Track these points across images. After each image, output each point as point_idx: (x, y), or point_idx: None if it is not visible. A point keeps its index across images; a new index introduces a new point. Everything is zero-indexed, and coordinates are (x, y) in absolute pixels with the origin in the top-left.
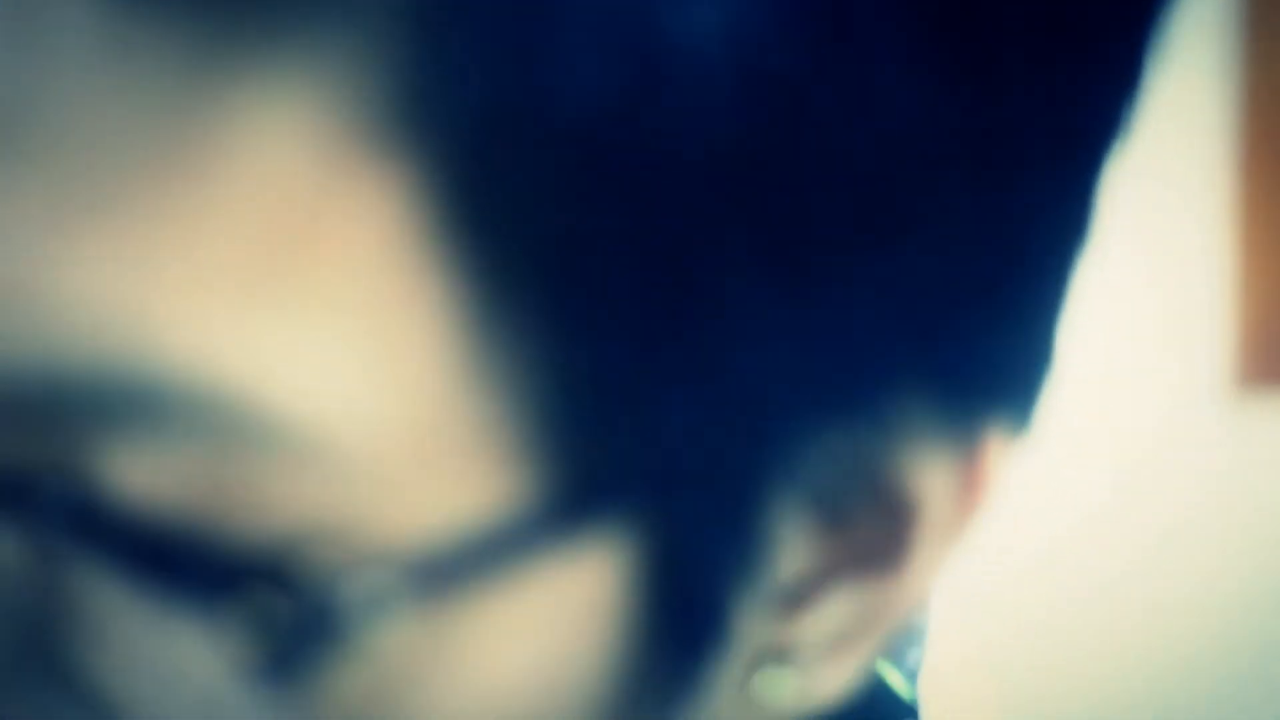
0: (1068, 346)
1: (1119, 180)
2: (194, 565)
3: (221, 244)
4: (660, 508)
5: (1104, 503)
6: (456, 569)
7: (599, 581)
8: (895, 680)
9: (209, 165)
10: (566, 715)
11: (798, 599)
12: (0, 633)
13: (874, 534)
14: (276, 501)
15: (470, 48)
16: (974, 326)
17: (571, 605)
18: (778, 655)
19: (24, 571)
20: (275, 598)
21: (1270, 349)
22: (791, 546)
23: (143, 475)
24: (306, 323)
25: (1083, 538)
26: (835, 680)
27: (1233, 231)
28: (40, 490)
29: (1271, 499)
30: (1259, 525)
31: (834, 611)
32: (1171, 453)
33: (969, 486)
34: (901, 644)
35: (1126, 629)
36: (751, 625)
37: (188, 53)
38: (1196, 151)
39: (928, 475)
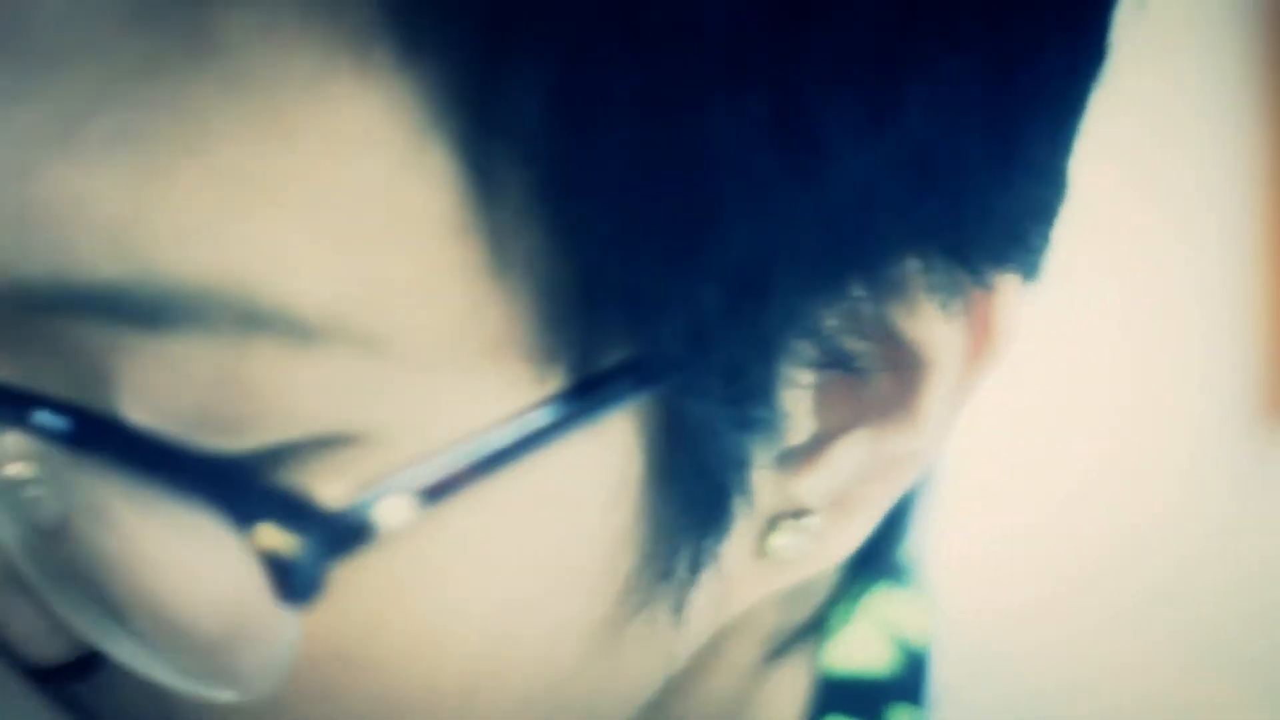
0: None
1: (1143, 202)
2: (210, 473)
3: (219, 144)
4: (668, 387)
5: (1124, 537)
6: (479, 464)
7: (618, 458)
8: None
9: (201, 62)
10: (597, 589)
11: (811, 455)
12: (16, 535)
13: (884, 386)
14: (291, 400)
15: None
16: (979, 173)
17: (593, 483)
18: (792, 513)
19: (39, 476)
20: (293, 503)
21: None
22: (803, 404)
23: (156, 380)
24: (308, 219)
25: (1103, 572)
26: (849, 536)
27: (1262, 256)
28: (51, 398)
29: None
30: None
31: (847, 465)
32: (1195, 486)
33: (979, 335)
34: (910, 504)
35: (1144, 660)
36: (765, 486)
37: None
38: (1226, 169)
39: (936, 325)
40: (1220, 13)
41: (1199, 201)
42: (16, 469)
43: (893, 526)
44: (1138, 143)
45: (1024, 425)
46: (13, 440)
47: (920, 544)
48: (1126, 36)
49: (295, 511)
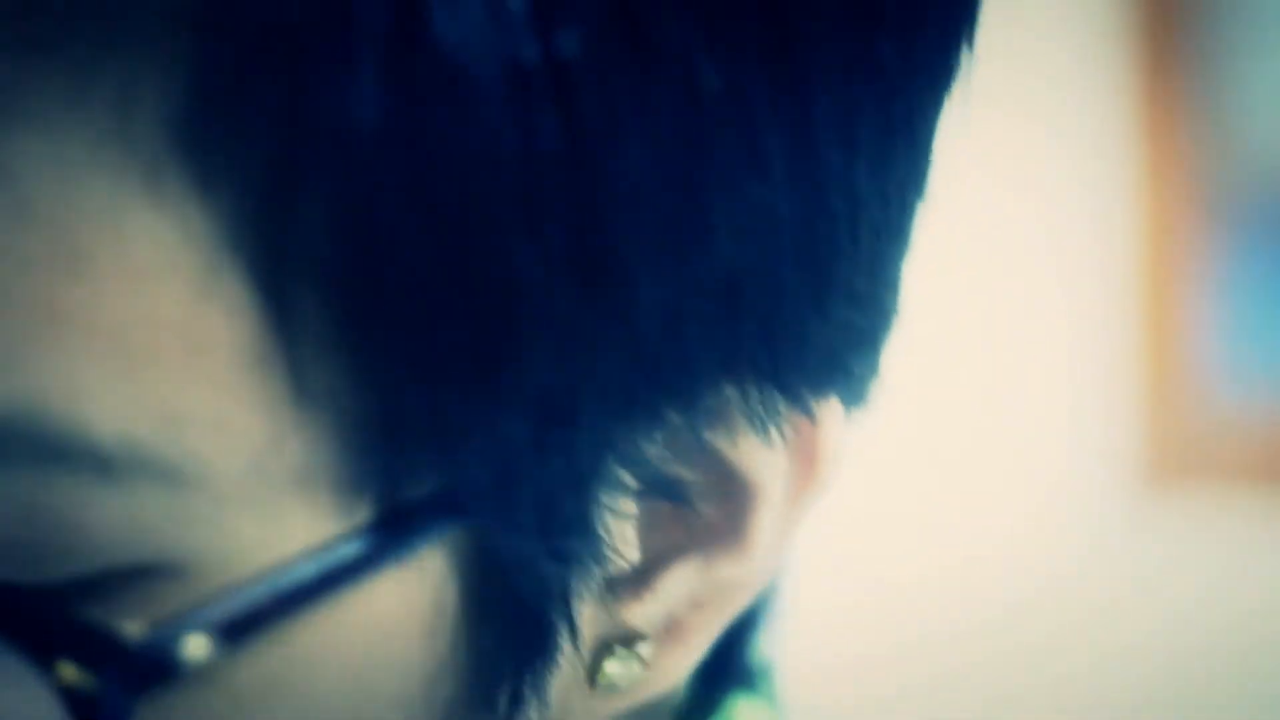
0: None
1: (1022, 266)
2: (10, 608)
3: (11, 270)
4: (484, 522)
5: (1005, 601)
6: (285, 597)
7: (432, 588)
8: (752, 647)
9: None
10: None
11: (639, 582)
12: None
13: (712, 512)
14: (94, 533)
15: (246, 75)
16: (792, 301)
17: (408, 613)
18: (622, 640)
19: None
20: (92, 639)
21: (1181, 447)
22: (628, 531)
23: None
24: (103, 348)
25: (984, 633)
26: (681, 661)
27: (1142, 323)
28: None
29: (1178, 601)
30: (1164, 628)
31: (677, 592)
32: (1076, 551)
33: (805, 464)
34: (758, 612)
35: None
36: (592, 615)
37: None
38: (1106, 242)
39: (761, 454)
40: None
41: (1080, 259)
42: None
43: (741, 632)
44: (1013, 168)
45: (882, 502)
46: None
47: (772, 646)
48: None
49: (94, 647)
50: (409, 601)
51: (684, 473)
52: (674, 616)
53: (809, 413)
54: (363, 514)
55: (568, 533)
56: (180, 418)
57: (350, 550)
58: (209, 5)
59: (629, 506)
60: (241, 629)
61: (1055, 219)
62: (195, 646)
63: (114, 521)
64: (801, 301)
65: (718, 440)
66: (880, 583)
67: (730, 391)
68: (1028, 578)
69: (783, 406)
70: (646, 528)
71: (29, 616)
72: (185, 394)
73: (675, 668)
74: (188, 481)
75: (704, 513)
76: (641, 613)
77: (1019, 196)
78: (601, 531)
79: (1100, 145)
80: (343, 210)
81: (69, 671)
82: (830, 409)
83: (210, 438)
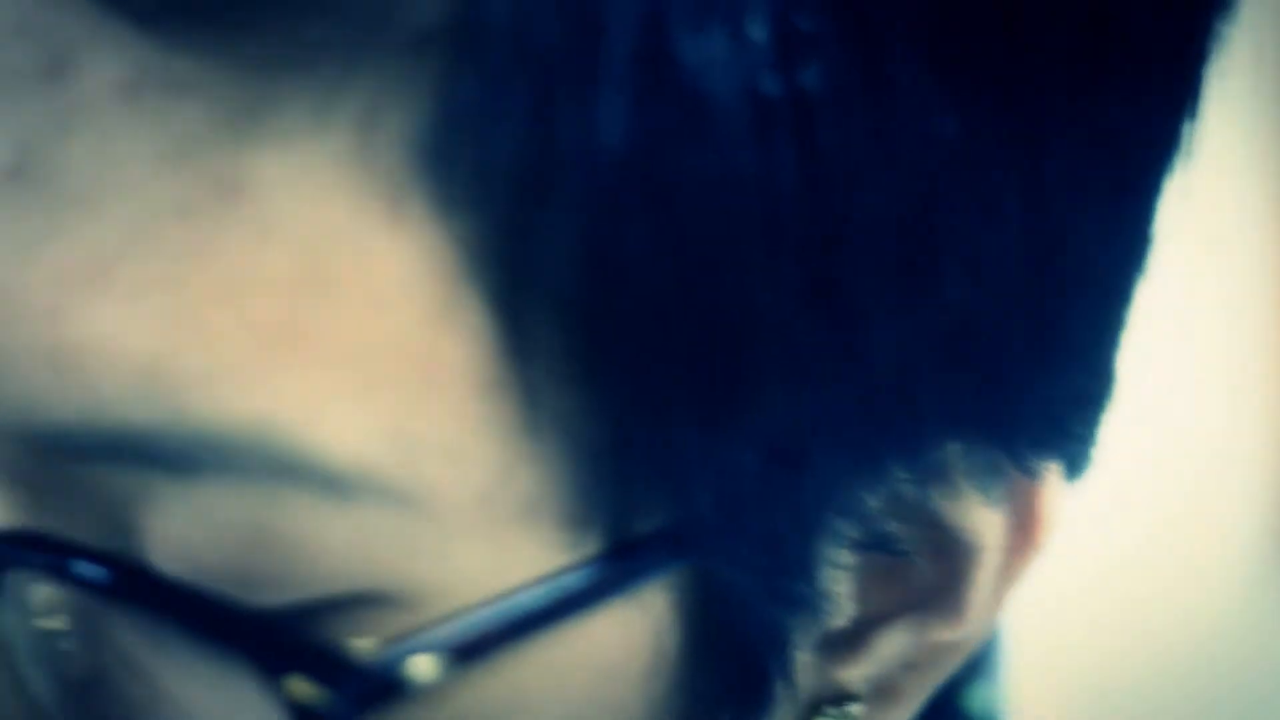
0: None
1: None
2: (241, 625)
3: (250, 290)
4: (710, 561)
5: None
6: (512, 625)
7: (655, 628)
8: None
9: (232, 207)
10: None
11: (854, 641)
12: (51, 689)
13: (929, 575)
14: (322, 558)
15: (494, 98)
16: (1018, 354)
17: (629, 652)
18: (834, 699)
19: (72, 628)
20: (324, 656)
21: None
22: (846, 590)
23: (187, 531)
24: (340, 369)
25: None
26: None
27: None
28: (86, 548)
29: None
30: None
31: (891, 653)
32: (1211, 619)
33: (1025, 526)
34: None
35: None
36: (807, 670)
37: (216, 96)
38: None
39: (979, 512)
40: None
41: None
42: (49, 622)
43: (956, 687)
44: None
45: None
46: (45, 592)
47: (996, 698)
48: None
49: (326, 664)
50: (630, 641)
51: (903, 529)
52: (886, 677)
53: (1030, 473)
54: (588, 548)
55: (791, 576)
56: (414, 443)
57: (575, 582)
58: (457, 28)
59: (847, 559)
60: (469, 653)
61: (1223, 284)
62: (424, 667)
63: (342, 545)
64: (1028, 358)
65: (938, 497)
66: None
67: (953, 447)
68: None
69: (1005, 465)
70: (862, 584)
71: (260, 633)
72: (419, 419)
73: None
74: (417, 508)
75: (920, 571)
76: (854, 673)
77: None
78: (821, 581)
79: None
80: (585, 237)
81: (299, 687)
82: (1050, 471)
83: (442, 464)
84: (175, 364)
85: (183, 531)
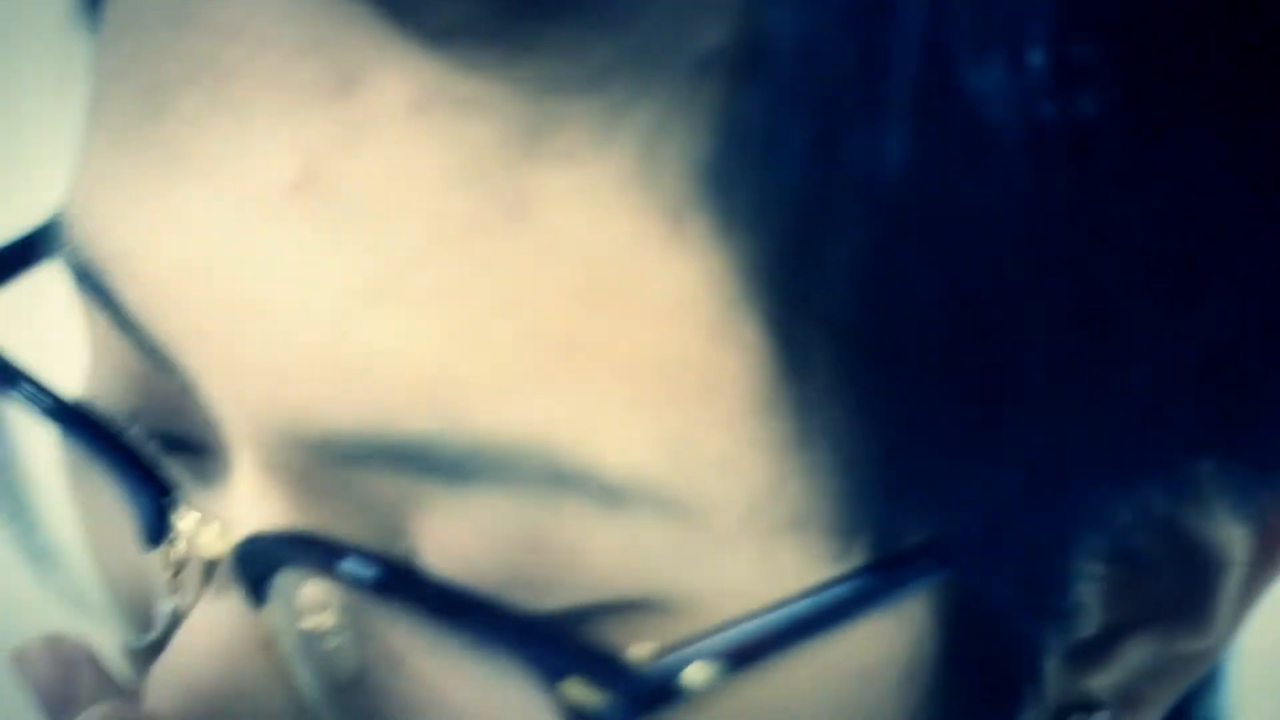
0: None
1: None
2: (519, 627)
3: (533, 304)
4: (970, 573)
5: None
6: (780, 633)
7: (913, 637)
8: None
9: (520, 223)
10: None
11: (1101, 651)
12: (318, 686)
13: (1173, 584)
14: (593, 565)
15: (779, 122)
16: (1276, 377)
17: (889, 660)
18: (1081, 707)
19: (340, 628)
20: (603, 661)
21: None
22: (1096, 601)
23: (461, 535)
24: (620, 383)
25: None
26: None
27: None
28: (359, 547)
29: None
30: None
31: (1137, 662)
32: None
33: (1271, 542)
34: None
35: None
36: (1055, 679)
37: (505, 115)
38: None
39: (1230, 531)
40: None
41: None
42: (318, 619)
43: (1195, 696)
44: None
45: None
46: (313, 591)
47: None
48: None
49: (605, 669)
50: (890, 649)
51: (1153, 541)
52: (1131, 687)
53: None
54: (853, 559)
55: (1046, 588)
56: (688, 455)
57: (842, 593)
58: (743, 51)
59: (1098, 571)
60: (741, 660)
61: None
62: (699, 674)
63: (615, 553)
64: None
65: (1189, 512)
66: None
67: (1207, 465)
68: None
69: (1255, 483)
70: (1111, 595)
71: (539, 635)
72: (695, 431)
73: None
74: (689, 518)
75: (1168, 583)
76: (1101, 681)
77: None
78: (1075, 594)
79: None
80: (863, 260)
81: (577, 691)
82: None
83: (715, 476)
84: (458, 376)
85: (456, 536)
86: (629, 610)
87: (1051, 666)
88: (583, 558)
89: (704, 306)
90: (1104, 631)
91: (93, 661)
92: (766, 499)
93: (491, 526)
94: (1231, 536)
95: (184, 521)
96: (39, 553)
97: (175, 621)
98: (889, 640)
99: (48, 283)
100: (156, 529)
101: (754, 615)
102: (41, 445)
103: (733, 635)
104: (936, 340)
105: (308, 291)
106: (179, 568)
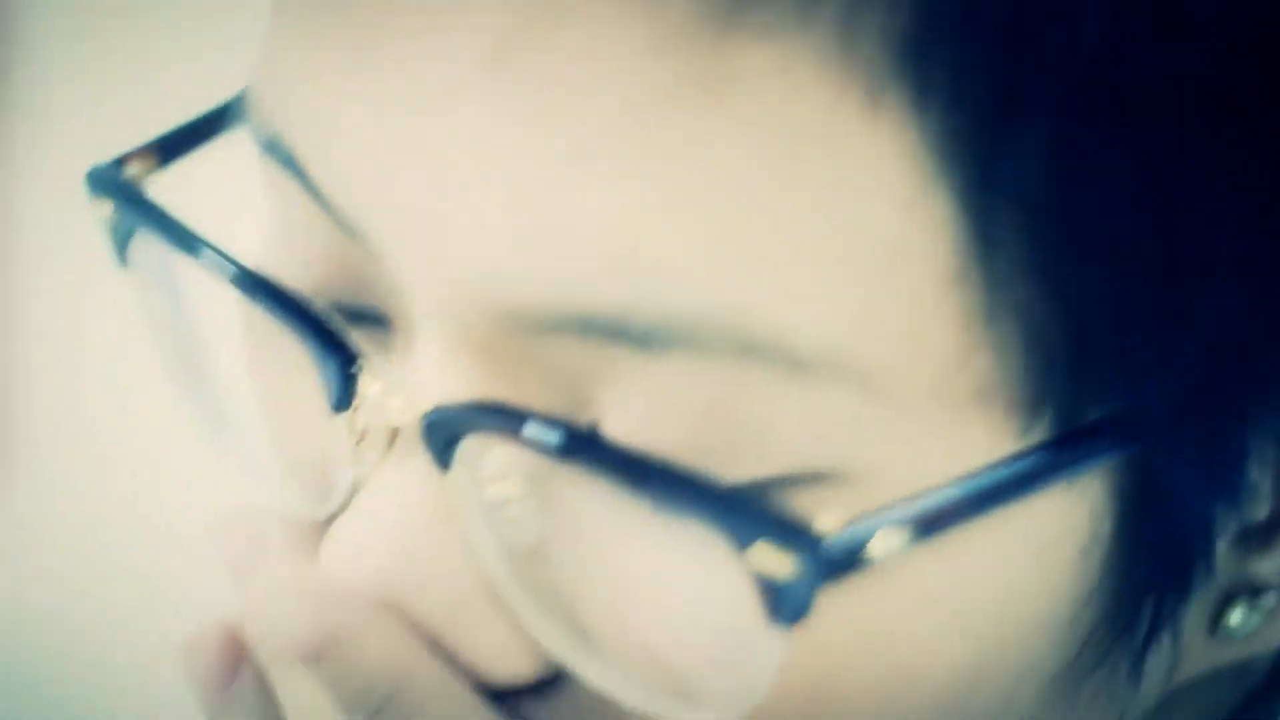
0: None
1: None
2: (705, 492)
3: (729, 176)
4: (1151, 450)
5: None
6: (966, 502)
7: (1091, 513)
8: None
9: (716, 96)
10: (1060, 640)
11: (1272, 534)
12: (498, 554)
13: None
14: (780, 434)
15: None
16: None
17: (1067, 535)
18: (1249, 590)
19: (523, 496)
20: (793, 528)
21: None
22: (1268, 484)
23: (648, 403)
24: (812, 256)
25: None
26: None
27: None
28: (546, 414)
29: None
30: None
31: None
32: None
33: None
34: None
35: None
36: (1225, 561)
37: None
38: None
39: None
40: None
41: None
42: (500, 488)
43: None
44: None
45: None
46: (496, 460)
47: None
48: None
49: (795, 535)
50: (1068, 524)
51: None
52: None
53: None
54: (1037, 433)
55: (1224, 467)
56: (877, 326)
57: (1025, 466)
58: None
59: (1271, 453)
60: (926, 530)
61: None
62: (886, 543)
63: (802, 423)
64: None
65: None
66: None
67: None
68: None
69: None
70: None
71: (729, 501)
72: (884, 304)
73: None
74: (875, 389)
75: None
76: (1269, 565)
77: None
78: (1250, 476)
79: None
80: (1057, 135)
81: (766, 556)
82: None
83: (904, 348)
84: (652, 246)
85: (643, 405)
86: (812, 481)
87: (1222, 548)
88: (769, 428)
89: (898, 181)
90: (1275, 516)
91: (279, 528)
92: (953, 372)
93: (678, 396)
94: None
95: (370, 389)
96: (217, 423)
97: (354, 490)
98: (1066, 517)
99: (224, 158)
100: (343, 396)
101: (940, 486)
102: (218, 316)
103: (919, 506)
104: (1125, 218)
105: (503, 163)
106: (362, 436)
